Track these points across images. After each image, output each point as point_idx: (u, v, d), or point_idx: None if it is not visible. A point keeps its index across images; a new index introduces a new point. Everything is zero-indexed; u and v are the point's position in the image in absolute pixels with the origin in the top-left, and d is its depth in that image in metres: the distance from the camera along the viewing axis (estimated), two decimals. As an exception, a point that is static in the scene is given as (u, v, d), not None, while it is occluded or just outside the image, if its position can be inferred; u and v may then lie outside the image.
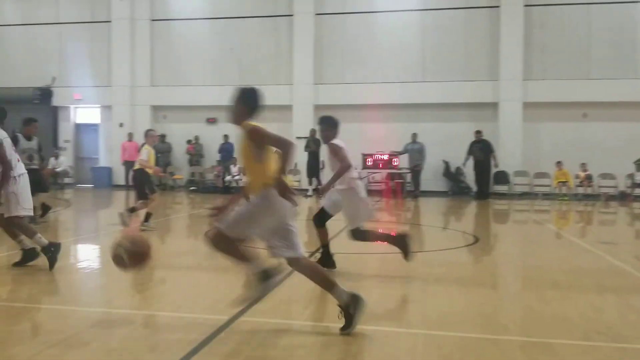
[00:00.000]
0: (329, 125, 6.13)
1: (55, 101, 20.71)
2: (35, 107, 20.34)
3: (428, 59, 18.51)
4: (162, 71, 20.04)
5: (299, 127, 18.13)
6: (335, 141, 5.99)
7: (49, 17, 20.60)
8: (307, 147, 16.97)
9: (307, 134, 17.14)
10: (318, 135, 5.98)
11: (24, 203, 6.05)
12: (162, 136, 19.63)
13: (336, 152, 5.86)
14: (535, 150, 17.78)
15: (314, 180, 16.95)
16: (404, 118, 18.25)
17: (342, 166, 5.88)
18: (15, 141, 7.81)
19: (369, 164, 17.05)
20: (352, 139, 18.02)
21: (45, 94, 20.39)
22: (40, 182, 8.98)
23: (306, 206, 14.81)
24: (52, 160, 19.41)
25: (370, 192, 17.55)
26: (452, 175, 18.21)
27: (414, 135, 17.31)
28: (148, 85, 19.99)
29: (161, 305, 4.80)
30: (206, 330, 4.01)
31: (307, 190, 16.88)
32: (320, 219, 6.17)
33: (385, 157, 16.99)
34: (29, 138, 9.72)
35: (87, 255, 8.00)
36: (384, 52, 18.62)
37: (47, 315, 4.58)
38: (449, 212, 14.57)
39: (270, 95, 18.51)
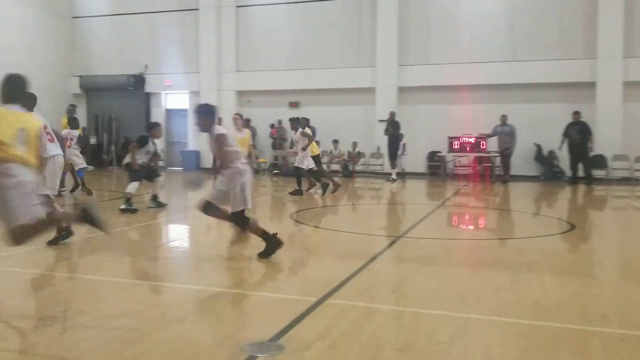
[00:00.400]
0: (205, 114, 5.85)
1: (148, 88, 21.65)
2: (130, 93, 21.46)
3: (518, 37, 17.66)
4: (246, 57, 20.42)
5: (382, 110, 17.94)
6: (218, 130, 5.81)
7: (141, 6, 21.49)
8: (386, 131, 16.74)
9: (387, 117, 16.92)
10: (198, 125, 5.78)
11: (49, 183, 6.58)
12: (247, 120, 20.07)
13: (221, 142, 5.69)
14: (636, 132, 16.61)
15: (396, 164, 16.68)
16: (493, 99, 17.57)
17: (228, 154, 5.72)
18: (144, 142, 9.44)
19: (456, 147, 16.61)
20: (437, 122, 17.87)
21: (139, 80, 21.37)
22: (155, 170, 9.94)
23: (390, 190, 14.69)
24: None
25: (456, 176, 17.43)
26: (545, 159, 17.38)
27: (504, 117, 16.62)
28: (233, 71, 20.45)
29: (249, 285, 4.90)
30: (295, 310, 4.05)
31: (389, 174, 16.68)
32: (206, 209, 5.89)
33: (473, 140, 16.48)
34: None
35: (178, 235, 8.33)
36: (471, 31, 17.97)
37: (146, 290, 4.80)
38: (541, 197, 13.93)
39: (352, 78, 18.61)
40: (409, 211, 11.20)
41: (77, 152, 11.57)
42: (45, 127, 6.33)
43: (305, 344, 3.43)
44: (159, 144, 12.41)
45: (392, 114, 16.77)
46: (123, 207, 9.09)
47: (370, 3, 18.82)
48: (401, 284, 5.08)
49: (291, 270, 5.47)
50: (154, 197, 9.81)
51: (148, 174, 9.64)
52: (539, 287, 4.87)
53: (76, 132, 11.75)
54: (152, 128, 10.02)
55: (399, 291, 4.83)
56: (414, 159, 18.14)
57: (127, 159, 9.62)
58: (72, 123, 12.01)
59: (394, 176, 16.33)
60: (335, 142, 18.29)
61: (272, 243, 5.67)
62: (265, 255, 5.63)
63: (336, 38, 19.25)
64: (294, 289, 4.71)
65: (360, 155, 18.54)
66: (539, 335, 3.66)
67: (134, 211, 9.10)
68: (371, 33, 18.83)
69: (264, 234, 5.71)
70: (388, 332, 3.75)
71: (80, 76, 22.13)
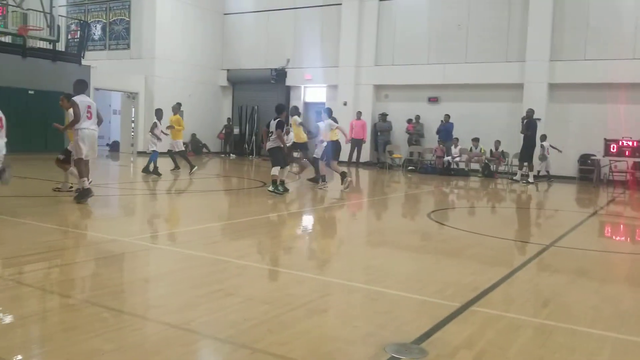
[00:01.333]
0: (75, 86, 8.62)
1: (289, 81, 22.36)
2: (271, 86, 22.32)
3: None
4: (385, 50, 20.29)
5: (530, 107, 16.92)
6: (76, 98, 8.40)
7: (286, 2, 22.19)
8: (526, 130, 15.70)
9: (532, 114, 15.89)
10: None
11: (79, 152, 8.39)
12: (383, 115, 19.99)
13: (72, 106, 8.34)
14: None
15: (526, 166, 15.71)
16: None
17: (74, 119, 8.30)
18: (283, 125, 10.72)
19: (613, 150, 15.20)
20: (591, 122, 16.50)
21: (280, 74, 22.14)
22: (284, 157, 10.91)
23: (532, 193, 13.80)
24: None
25: (612, 182, 15.93)
26: None
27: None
28: (372, 65, 20.42)
29: (389, 283, 4.79)
30: (438, 314, 3.90)
31: (514, 174, 15.91)
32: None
33: (633, 144, 14.97)
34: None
35: (317, 226, 8.44)
36: (637, 25, 16.28)
37: (288, 279, 4.87)
38: None
39: (498, 73, 17.73)
40: (558, 218, 10.40)
41: (154, 139, 13.59)
42: (89, 107, 8.56)
43: (449, 351, 3.27)
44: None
45: (530, 112, 15.64)
46: (270, 189, 10.24)
47: (522, -5, 17.76)
48: (553, 297, 4.67)
49: (433, 273, 5.27)
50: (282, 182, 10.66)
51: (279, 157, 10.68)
52: None
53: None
54: (279, 111, 11.09)
55: (551, 305, 4.44)
56: (563, 161, 16.89)
57: (271, 144, 10.58)
58: (157, 113, 13.91)
59: (530, 179, 15.46)
60: (475, 140, 17.52)
61: None
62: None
63: (481, 31, 18.45)
64: (436, 292, 4.51)
65: (504, 155, 17.59)
66: None
67: (281, 193, 10.16)
68: (522, 26, 17.75)
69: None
70: (540, 347, 3.43)
71: (227, 70, 23.43)
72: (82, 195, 8.31)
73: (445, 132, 18.31)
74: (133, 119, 21.12)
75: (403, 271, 5.32)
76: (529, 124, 15.40)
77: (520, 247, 7.10)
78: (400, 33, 19.90)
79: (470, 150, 17.74)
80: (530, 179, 15.44)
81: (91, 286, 4.30)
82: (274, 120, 10.62)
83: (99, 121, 8.77)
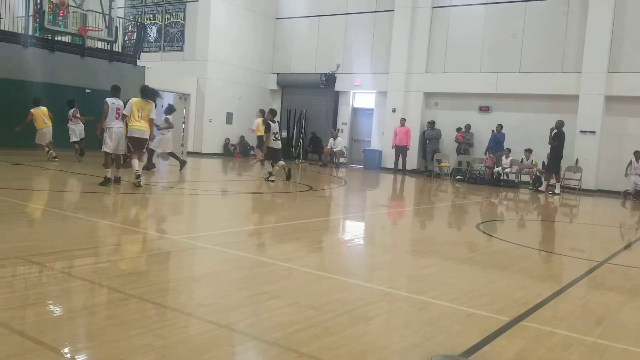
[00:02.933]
0: (112, 89, 10.45)
1: (338, 86, 22.40)
2: (320, 91, 22.42)
3: None
4: (437, 58, 20.07)
5: (585, 119, 16.45)
6: (108, 99, 10.04)
7: (337, 8, 22.27)
8: (553, 141, 15.69)
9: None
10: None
11: (106, 146, 9.86)
12: (432, 123, 19.75)
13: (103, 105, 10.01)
14: None
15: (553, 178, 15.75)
16: None
17: (103, 116, 10.06)
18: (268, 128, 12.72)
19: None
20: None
21: (330, 79, 22.20)
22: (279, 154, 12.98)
23: (581, 209, 13.37)
24: (330, 140, 21.22)
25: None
26: None
27: None
28: (422, 72, 20.23)
29: (436, 294, 4.70)
30: (486, 327, 3.81)
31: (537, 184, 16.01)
32: None
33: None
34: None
35: (361, 232, 8.40)
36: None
37: (334, 284, 4.85)
38: None
39: (552, 84, 17.35)
40: (611, 234, 10.03)
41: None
42: (118, 109, 9.94)
43: (499, 366, 3.18)
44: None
45: (560, 123, 15.43)
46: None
47: (581, 4, 17.26)
48: (607, 315, 4.49)
49: (481, 285, 5.15)
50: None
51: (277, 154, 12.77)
52: None
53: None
54: (271, 113, 13.06)
55: (605, 323, 4.26)
56: (616, 175, 16.31)
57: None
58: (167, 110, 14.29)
59: (556, 190, 15.59)
60: (528, 151, 17.08)
61: None
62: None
63: (536, 41, 18.03)
64: (485, 305, 4.41)
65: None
66: None
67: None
68: (579, 36, 17.26)
69: None
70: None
71: (277, 73, 23.66)
72: (104, 183, 9.76)
73: (496, 142, 17.95)
74: (184, 119, 21.57)
75: (450, 282, 5.22)
76: (557, 136, 15.40)
77: (572, 262, 6.87)
78: (453, 40, 19.66)
79: (522, 161, 17.32)
80: (557, 190, 15.56)
81: (140, 282, 4.38)
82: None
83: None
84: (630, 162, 15.64)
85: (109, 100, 10.01)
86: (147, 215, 8.13)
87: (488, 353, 3.37)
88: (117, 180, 9.97)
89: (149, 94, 9.95)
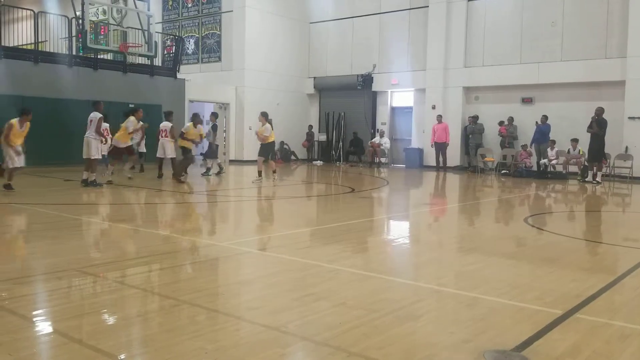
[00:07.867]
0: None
1: (375, 86, 22.31)
2: (358, 92, 22.38)
3: None
4: (475, 51, 19.76)
5: (633, 105, 15.86)
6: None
7: (371, 8, 22.20)
8: (589, 128, 15.25)
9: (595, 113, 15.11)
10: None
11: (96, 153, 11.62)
12: (474, 117, 19.44)
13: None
14: None
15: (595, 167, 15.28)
16: None
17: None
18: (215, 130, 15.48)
19: None
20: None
21: (367, 80, 22.14)
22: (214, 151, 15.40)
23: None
24: (377, 137, 21.32)
25: None
26: None
27: None
28: (461, 67, 19.95)
29: (485, 289, 4.63)
30: (538, 321, 3.75)
31: (586, 175, 15.57)
32: None
33: None
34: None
35: (404, 231, 8.34)
36: None
37: (379, 283, 4.84)
38: None
39: (596, 71, 16.87)
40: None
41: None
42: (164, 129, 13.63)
43: (553, 359, 3.10)
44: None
45: (600, 110, 14.91)
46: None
47: (622, -14, 16.70)
48: (666, 304, 4.34)
49: (531, 279, 5.05)
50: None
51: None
52: None
53: (169, 125, 14.15)
54: (214, 116, 15.98)
55: (664, 313, 4.12)
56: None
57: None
58: (166, 115, 14.54)
59: (598, 179, 15.22)
60: (574, 141, 16.57)
61: None
62: None
63: (577, 28, 17.52)
64: (536, 299, 4.32)
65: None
66: None
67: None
68: (622, 20, 16.68)
69: None
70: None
71: (314, 77, 23.76)
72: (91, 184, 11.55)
73: (541, 133, 17.52)
74: (225, 129, 21.90)
75: (498, 277, 5.13)
76: (600, 123, 14.95)
77: (625, 252, 6.63)
78: (490, 33, 19.32)
79: (568, 152, 16.85)
80: (598, 179, 15.24)
81: (190, 288, 4.48)
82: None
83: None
84: None
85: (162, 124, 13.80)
86: (194, 223, 8.29)
87: (541, 347, 3.31)
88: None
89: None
